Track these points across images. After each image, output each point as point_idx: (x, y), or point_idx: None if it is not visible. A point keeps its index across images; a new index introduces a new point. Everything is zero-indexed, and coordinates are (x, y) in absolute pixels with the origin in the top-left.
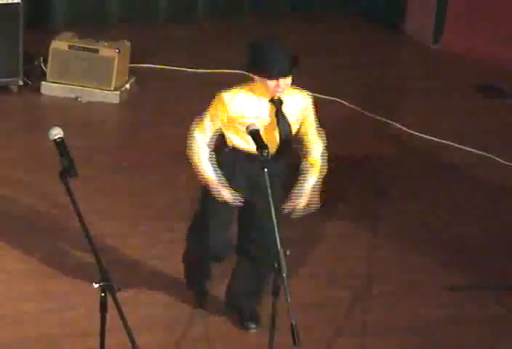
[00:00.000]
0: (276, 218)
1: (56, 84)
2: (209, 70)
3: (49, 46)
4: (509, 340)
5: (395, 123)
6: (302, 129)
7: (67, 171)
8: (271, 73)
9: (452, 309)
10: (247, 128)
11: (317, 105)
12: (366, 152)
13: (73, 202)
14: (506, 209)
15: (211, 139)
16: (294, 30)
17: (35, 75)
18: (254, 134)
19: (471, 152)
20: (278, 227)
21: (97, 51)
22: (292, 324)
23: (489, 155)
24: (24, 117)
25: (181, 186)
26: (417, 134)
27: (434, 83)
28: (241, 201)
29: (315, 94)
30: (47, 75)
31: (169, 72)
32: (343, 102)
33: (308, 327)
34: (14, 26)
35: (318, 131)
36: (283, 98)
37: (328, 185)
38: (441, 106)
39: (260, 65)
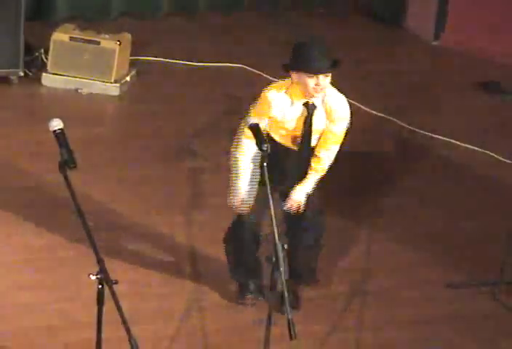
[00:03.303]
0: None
1: (56, 76)
2: (210, 63)
3: (50, 37)
4: (506, 337)
5: (395, 120)
6: (322, 137)
7: (66, 163)
8: (312, 68)
9: (450, 305)
10: (247, 122)
11: None
12: (366, 148)
13: (72, 193)
14: (505, 205)
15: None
16: (294, 25)
17: (36, 67)
18: (254, 129)
19: (470, 148)
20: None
21: (98, 43)
22: (288, 318)
23: (488, 152)
24: (24, 108)
25: (181, 178)
26: (417, 130)
27: (434, 80)
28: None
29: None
30: (48, 67)
31: (169, 64)
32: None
33: (305, 321)
34: (16, 17)
35: (333, 147)
36: (317, 103)
37: (327, 180)
38: (441, 103)
39: (301, 61)
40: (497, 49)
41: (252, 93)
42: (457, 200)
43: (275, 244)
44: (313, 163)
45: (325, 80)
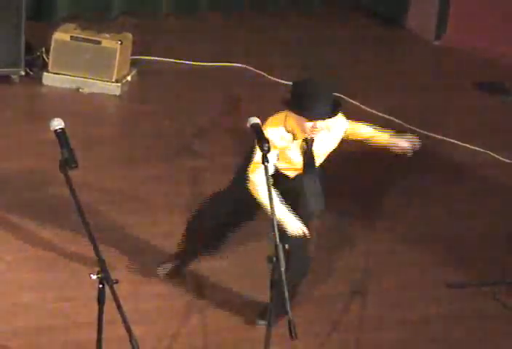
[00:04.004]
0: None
1: (57, 75)
2: (210, 63)
3: (51, 36)
4: (506, 337)
5: (395, 120)
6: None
7: (67, 162)
8: (310, 114)
9: (450, 305)
10: (248, 121)
11: None
12: (366, 147)
13: (73, 193)
14: (505, 205)
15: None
16: (295, 25)
17: (37, 66)
18: (255, 128)
19: (471, 148)
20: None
21: (99, 42)
22: (289, 318)
23: (489, 152)
24: (25, 107)
25: (181, 178)
26: (418, 130)
27: (435, 80)
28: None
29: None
30: (49, 66)
31: (170, 64)
32: (344, 97)
33: (305, 321)
34: (17, 16)
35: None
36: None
37: (327, 180)
38: (442, 103)
39: (300, 106)
40: (499, 49)
41: (253, 93)
42: (457, 200)
43: (275, 244)
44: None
45: (322, 124)
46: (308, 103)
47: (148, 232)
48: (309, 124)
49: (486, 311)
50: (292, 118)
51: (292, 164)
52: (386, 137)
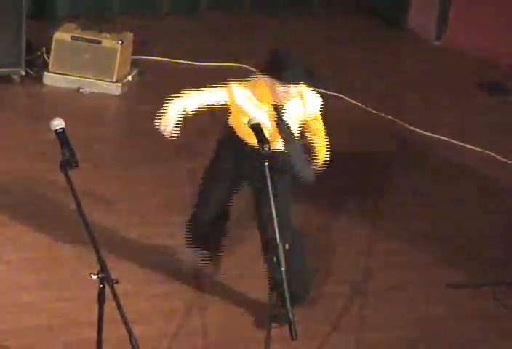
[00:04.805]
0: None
1: (58, 75)
2: (210, 63)
3: (51, 36)
4: (506, 337)
5: (396, 120)
6: (308, 132)
7: (67, 162)
8: (284, 77)
9: (450, 305)
10: (249, 121)
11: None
12: (368, 147)
13: (73, 192)
14: (505, 205)
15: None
16: (295, 25)
17: (37, 66)
18: (256, 128)
19: (472, 149)
20: (279, 220)
21: (99, 42)
22: (289, 318)
23: (489, 152)
24: (25, 107)
25: (181, 177)
26: (418, 130)
27: (436, 80)
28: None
29: (317, 90)
30: (49, 66)
31: (170, 64)
32: (345, 97)
33: (306, 321)
34: (17, 16)
35: (323, 135)
36: (288, 103)
37: (328, 180)
38: (443, 103)
39: (275, 68)
40: (499, 49)
41: None
42: (457, 200)
43: (276, 244)
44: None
45: (294, 89)
46: (283, 68)
47: (148, 232)
48: (282, 89)
49: (486, 311)
50: (263, 85)
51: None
52: (319, 144)
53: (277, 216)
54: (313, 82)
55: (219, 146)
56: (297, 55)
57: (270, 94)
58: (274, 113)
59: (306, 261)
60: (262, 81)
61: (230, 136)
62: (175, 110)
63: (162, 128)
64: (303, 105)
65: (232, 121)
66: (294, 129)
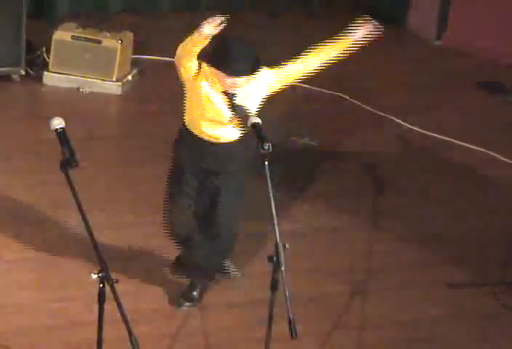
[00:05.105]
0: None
1: (58, 74)
2: None
3: (51, 36)
4: (507, 337)
5: (396, 119)
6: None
7: (67, 162)
8: (229, 70)
9: (451, 305)
10: (249, 121)
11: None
12: (367, 147)
13: (74, 192)
14: (506, 205)
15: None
16: (295, 24)
17: (37, 65)
18: (256, 127)
19: (472, 149)
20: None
21: (99, 41)
22: (289, 318)
23: (489, 151)
24: (25, 107)
25: None
26: (418, 130)
27: (436, 80)
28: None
29: (317, 89)
30: (49, 65)
31: (170, 63)
32: (345, 97)
33: (306, 321)
34: (17, 15)
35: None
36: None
37: (328, 179)
38: (443, 102)
39: (220, 60)
40: (499, 49)
41: None
42: (457, 199)
43: (276, 244)
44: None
45: (241, 80)
46: (228, 59)
47: (148, 232)
48: (228, 80)
49: (486, 311)
50: (211, 71)
51: (219, 116)
52: (337, 44)
53: (225, 207)
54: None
55: (177, 146)
56: (243, 42)
57: (219, 83)
58: (227, 99)
59: (223, 255)
60: (212, 70)
61: (186, 134)
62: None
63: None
64: (256, 92)
65: (187, 116)
66: (253, 108)
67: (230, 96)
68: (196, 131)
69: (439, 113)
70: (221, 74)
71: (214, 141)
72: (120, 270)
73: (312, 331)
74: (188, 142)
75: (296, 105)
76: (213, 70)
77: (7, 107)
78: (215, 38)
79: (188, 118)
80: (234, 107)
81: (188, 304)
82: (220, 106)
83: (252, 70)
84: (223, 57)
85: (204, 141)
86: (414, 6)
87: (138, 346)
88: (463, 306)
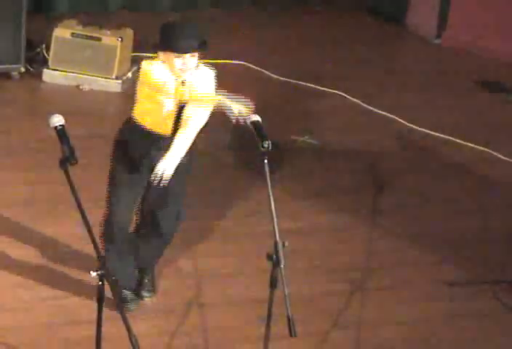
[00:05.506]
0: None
1: (58, 72)
2: (210, 60)
3: (51, 33)
4: (507, 336)
5: (396, 118)
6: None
7: (67, 159)
8: (178, 48)
9: (450, 304)
10: (249, 118)
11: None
12: (367, 145)
13: (73, 190)
14: (506, 204)
15: None
16: (295, 23)
17: (37, 63)
18: (256, 125)
19: (472, 147)
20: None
21: (99, 39)
22: (288, 316)
23: (490, 150)
24: (25, 104)
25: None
26: (418, 128)
27: (436, 78)
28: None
29: (318, 87)
30: (49, 63)
31: None
32: (345, 95)
33: (305, 319)
34: (17, 12)
35: (198, 109)
36: (189, 79)
37: (328, 178)
38: (442, 101)
39: (168, 41)
40: (499, 47)
41: (252, 90)
42: (458, 199)
43: (275, 242)
44: (184, 120)
45: (191, 60)
46: (175, 38)
47: None
48: (179, 62)
49: (486, 310)
50: (164, 63)
51: (161, 119)
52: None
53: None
54: (206, 50)
55: (120, 144)
56: (184, 22)
57: (170, 71)
58: (180, 90)
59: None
60: (162, 58)
61: (134, 130)
62: None
63: None
64: (193, 88)
65: (138, 112)
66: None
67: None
68: (151, 126)
69: (439, 111)
70: (171, 56)
71: (168, 134)
72: None
73: (311, 330)
74: (140, 139)
75: (296, 103)
76: (163, 56)
77: (7, 105)
78: (160, 26)
79: (139, 112)
80: (226, 107)
81: (147, 294)
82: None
83: (198, 45)
84: (169, 38)
85: (160, 135)
86: (413, 5)
87: (137, 344)
88: (463, 305)
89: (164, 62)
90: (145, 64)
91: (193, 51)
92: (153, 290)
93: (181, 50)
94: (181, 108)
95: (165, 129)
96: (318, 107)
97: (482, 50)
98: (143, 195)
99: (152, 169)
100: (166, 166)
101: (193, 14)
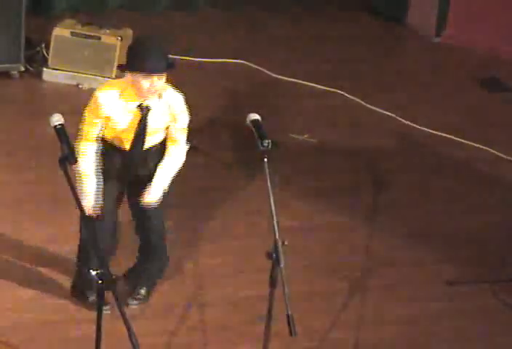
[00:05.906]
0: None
1: (57, 71)
2: (210, 59)
3: (51, 32)
4: (507, 334)
5: (396, 116)
6: (169, 130)
7: (66, 158)
8: (145, 68)
9: (450, 303)
10: (248, 117)
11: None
12: (367, 144)
13: (72, 188)
14: (506, 203)
15: (97, 137)
16: (295, 22)
17: (36, 62)
18: (255, 124)
19: (472, 146)
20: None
21: (99, 38)
22: (288, 315)
23: (490, 149)
24: (25, 103)
25: (182, 173)
26: (418, 127)
27: (436, 77)
28: (99, 212)
29: (317, 86)
30: (49, 62)
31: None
32: (345, 94)
33: (305, 318)
34: (17, 12)
35: (182, 140)
36: (152, 104)
37: (327, 177)
38: (443, 99)
39: (136, 62)
40: (499, 46)
41: (252, 89)
42: (457, 197)
43: (275, 241)
44: (167, 158)
45: (159, 81)
46: (142, 59)
47: None
48: (146, 84)
49: (486, 309)
50: (129, 83)
51: (121, 134)
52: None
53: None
54: (173, 69)
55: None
56: (156, 43)
57: (135, 93)
58: (139, 114)
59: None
60: (129, 79)
61: (108, 147)
62: (90, 188)
63: (88, 209)
64: (170, 116)
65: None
66: (155, 136)
67: (144, 110)
68: (115, 141)
69: (439, 110)
70: (139, 77)
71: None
72: (119, 266)
73: (310, 328)
74: (106, 150)
75: (296, 102)
76: (130, 77)
77: (6, 104)
78: (128, 47)
79: (110, 137)
80: (142, 125)
81: (135, 302)
82: (122, 125)
83: (166, 66)
84: (137, 59)
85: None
86: (413, 4)
87: (137, 342)
88: (463, 303)
89: (122, 91)
90: (98, 94)
91: (161, 72)
92: (143, 300)
93: (149, 71)
94: (142, 127)
95: (124, 145)
96: (318, 105)
97: (482, 49)
98: (142, 223)
99: (121, 179)
100: (153, 196)
101: (193, 14)
